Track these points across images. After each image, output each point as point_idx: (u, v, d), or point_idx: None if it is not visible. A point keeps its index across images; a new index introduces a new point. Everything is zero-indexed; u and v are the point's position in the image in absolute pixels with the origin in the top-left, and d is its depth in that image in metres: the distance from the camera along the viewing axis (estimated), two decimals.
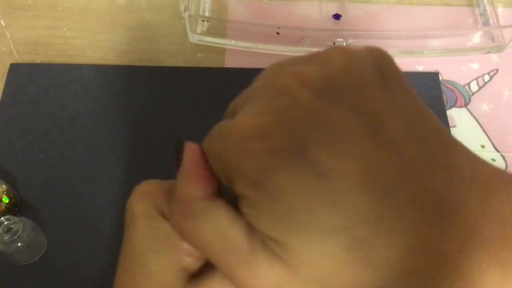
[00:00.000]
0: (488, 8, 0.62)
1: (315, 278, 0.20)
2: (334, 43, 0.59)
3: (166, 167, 0.53)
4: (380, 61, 0.22)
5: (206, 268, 0.23)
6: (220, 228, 0.21)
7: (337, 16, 0.61)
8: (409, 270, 0.19)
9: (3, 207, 0.46)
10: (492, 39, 0.60)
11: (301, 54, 0.62)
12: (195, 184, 0.22)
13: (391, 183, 0.19)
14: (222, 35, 0.59)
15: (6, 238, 0.42)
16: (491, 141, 0.53)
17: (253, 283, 0.20)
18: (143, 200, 0.24)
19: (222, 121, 0.22)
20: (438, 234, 0.19)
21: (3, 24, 0.61)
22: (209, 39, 0.59)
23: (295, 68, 0.22)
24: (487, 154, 0.53)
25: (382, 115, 0.20)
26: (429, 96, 0.55)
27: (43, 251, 0.46)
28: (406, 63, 0.58)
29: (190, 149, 0.23)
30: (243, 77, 0.56)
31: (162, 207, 0.24)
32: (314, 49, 0.63)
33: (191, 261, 0.23)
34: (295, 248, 0.19)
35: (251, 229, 0.20)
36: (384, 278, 0.19)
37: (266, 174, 0.19)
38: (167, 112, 0.54)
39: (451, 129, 0.53)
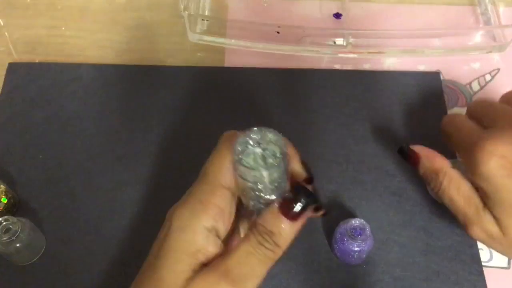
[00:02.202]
0: (489, 7, 0.62)
1: None
2: (334, 42, 0.58)
3: (165, 166, 0.53)
4: None
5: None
6: (465, 192, 0.39)
7: (337, 15, 0.61)
8: None
9: (1, 208, 0.46)
10: (494, 39, 0.60)
11: (301, 53, 0.61)
12: (440, 161, 0.41)
13: None
14: (222, 34, 0.59)
15: (5, 238, 0.42)
16: None
17: (481, 226, 0.39)
18: (185, 212, 0.31)
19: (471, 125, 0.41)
20: None
21: (2, 24, 0.61)
22: (208, 38, 0.59)
23: None
24: None
25: None
26: (430, 96, 0.55)
27: (42, 251, 0.45)
28: (407, 63, 0.58)
29: (420, 147, 0.43)
30: (243, 76, 0.56)
31: (210, 224, 0.30)
32: (315, 48, 0.63)
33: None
34: (508, 224, 0.38)
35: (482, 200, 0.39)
36: None
37: (497, 176, 0.36)
38: (166, 111, 0.53)
39: None
